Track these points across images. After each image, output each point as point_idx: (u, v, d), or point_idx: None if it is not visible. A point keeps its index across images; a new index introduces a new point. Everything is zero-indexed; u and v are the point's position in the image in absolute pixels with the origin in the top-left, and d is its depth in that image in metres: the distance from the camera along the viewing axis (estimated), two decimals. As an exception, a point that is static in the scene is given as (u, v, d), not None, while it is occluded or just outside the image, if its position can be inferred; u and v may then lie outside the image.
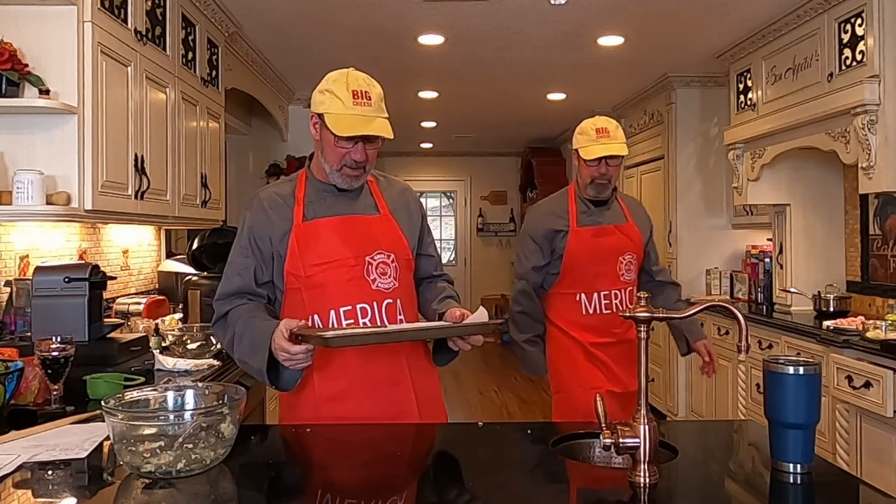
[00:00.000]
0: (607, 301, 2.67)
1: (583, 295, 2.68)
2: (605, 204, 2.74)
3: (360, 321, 1.81)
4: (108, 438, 1.50)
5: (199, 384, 1.64)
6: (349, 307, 1.80)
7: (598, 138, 2.61)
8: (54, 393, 1.92)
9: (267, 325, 1.72)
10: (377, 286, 1.83)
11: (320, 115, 1.83)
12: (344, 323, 1.81)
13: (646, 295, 1.37)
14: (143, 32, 2.88)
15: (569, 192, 2.81)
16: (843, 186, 4.34)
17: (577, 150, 2.68)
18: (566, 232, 2.69)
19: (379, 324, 1.82)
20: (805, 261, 4.32)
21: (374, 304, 1.82)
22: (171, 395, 1.53)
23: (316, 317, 1.81)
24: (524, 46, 4.64)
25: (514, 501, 1.30)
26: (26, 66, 2.39)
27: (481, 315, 1.72)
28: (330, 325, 1.81)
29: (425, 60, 4.95)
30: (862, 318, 3.47)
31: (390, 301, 1.84)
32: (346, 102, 1.79)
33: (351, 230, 1.86)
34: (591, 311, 2.67)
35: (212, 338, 2.63)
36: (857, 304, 4.07)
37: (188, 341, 2.59)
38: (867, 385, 2.95)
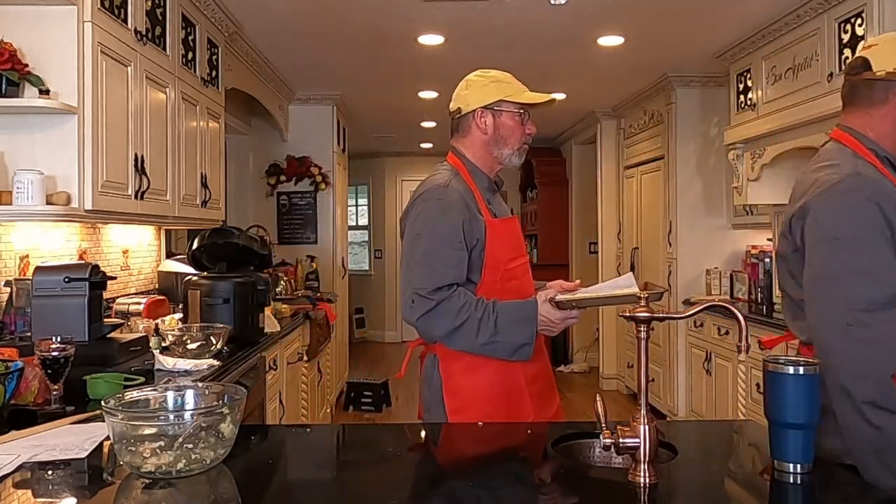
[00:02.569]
0: None
1: None
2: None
3: None
4: (108, 438, 1.50)
5: (199, 384, 1.64)
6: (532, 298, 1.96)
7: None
8: (54, 393, 1.91)
9: (525, 302, 1.89)
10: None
11: (493, 105, 1.99)
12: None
13: (645, 295, 1.37)
14: (143, 32, 2.88)
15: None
16: (843, 186, 4.34)
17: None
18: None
19: None
20: (805, 261, 4.31)
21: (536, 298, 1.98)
22: (171, 395, 1.52)
23: None
24: (524, 46, 4.64)
25: (514, 501, 1.30)
26: (26, 66, 2.39)
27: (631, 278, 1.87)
28: None
29: (425, 60, 4.95)
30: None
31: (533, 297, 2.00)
32: (513, 83, 2.02)
33: (518, 231, 2.09)
34: None
35: (212, 337, 2.63)
36: (857, 304, 4.06)
37: (188, 341, 2.59)
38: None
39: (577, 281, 1.98)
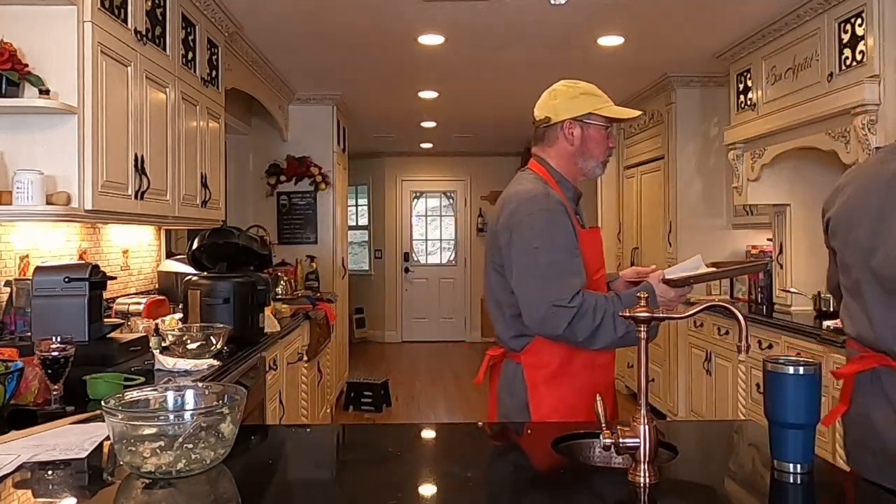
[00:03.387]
0: None
1: None
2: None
3: None
4: (108, 438, 1.50)
5: (199, 384, 1.64)
6: None
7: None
8: (54, 393, 1.91)
9: (640, 287, 1.94)
10: None
11: (582, 118, 2.01)
12: None
13: (645, 295, 1.37)
14: (143, 32, 2.88)
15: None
16: (843, 186, 4.34)
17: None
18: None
19: None
20: (805, 261, 4.32)
21: None
22: (171, 395, 1.52)
23: None
24: (524, 46, 4.64)
25: (514, 501, 1.30)
26: (26, 66, 2.39)
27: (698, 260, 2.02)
28: None
29: (425, 60, 4.95)
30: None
31: None
32: (602, 96, 2.05)
33: (601, 242, 2.13)
34: None
35: (212, 337, 2.63)
36: (857, 304, 4.06)
37: (188, 341, 2.59)
38: (867, 385, 2.95)
39: (653, 266, 2.06)
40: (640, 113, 2.14)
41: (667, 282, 1.94)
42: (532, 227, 1.89)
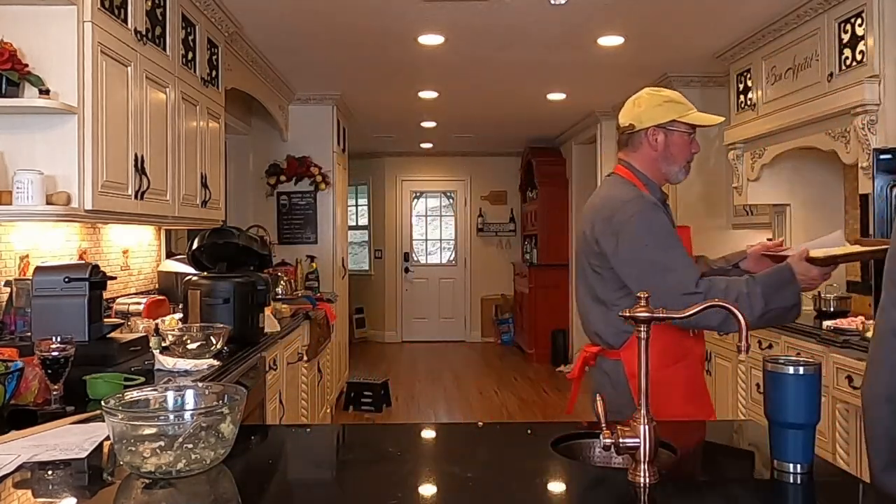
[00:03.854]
0: None
1: None
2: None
3: None
4: (108, 438, 1.50)
5: (199, 384, 1.64)
6: None
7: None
8: (54, 393, 1.92)
9: (779, 267, 1.97)
10: None
11: (666, 124, 2.08)
12: None
13: (645, 295, 1.37)
14: (143, 32, 2.88)
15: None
16: (843, 186, 4.34)
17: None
18: None
19: None
20: (805, 261, 4.31)
21: None
22: (171, 395, 1.52)
23: None
24: (524, 46, 4.64)
25: (514, 501, 1.30)
26: (26, 66, 2.39)
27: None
28: None
29: (425, 60, 4.95)
30: (862, 318, 3.47)
31: None
32: (685, 103, 2.12)
33: (689, 241, 2.20)
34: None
35: (212, 337, 2.63)
36: (857, 304, 4.06)
37: (188, 341, 2.59)
38: (867, 385, 2.95)
39: (780, 239, 2.09)
40: (723, 119, 2.18)
41: (810, 260, 1.93)
42: (639, 226, 1.97)
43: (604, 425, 1.34)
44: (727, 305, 1.41)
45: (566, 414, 2.19)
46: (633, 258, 1.97)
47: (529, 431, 1.72)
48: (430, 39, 4.45)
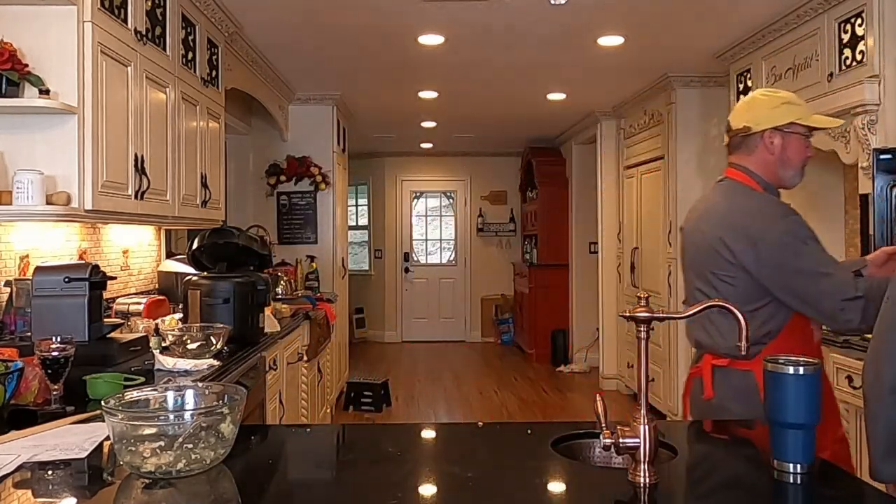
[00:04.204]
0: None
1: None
2: None
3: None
4: (108, 438, 1.50)
5: (199, 384, 1.64)
6: None
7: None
8: (54, 393, 1.92)
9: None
10: None
11: (784, 127, 2.03)
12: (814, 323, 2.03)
13: (646, 295, 1.37)
14: (143, 32, 2.88)
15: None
16: (843, 186, 4.34)
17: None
18: None
19: None
20: (805, 261, 4.31)
21: None
22: (171, 395, 1.53)
23: None
24: (524, 46, 4.64)
25: (514, 501, 1.30)
26: (26, 66, 2.39)
27: None
28: (817, 324, 2.03)
29: (425, 60, 4.95)
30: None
31: None
32: (803, 105, 2.06)
33: None
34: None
35: (212, 337, 2.63)
36: (857, 304, 4.06)
37: (188, 341, 2.59)
38: (867, 385, 2.95)
39: None
40: (841, 122, 2.14)
41: None
42: (783, 233, 1.93)
43: (604, 425, 1.35)
44: (727, 305, 1.41)
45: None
46: (780, 265, 1.92)
47: (529, 431, 1.72)
48: (430, 39, 4.45)
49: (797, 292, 1.92)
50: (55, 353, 1.90)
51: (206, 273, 3.13)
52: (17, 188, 2.33)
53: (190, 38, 3.46)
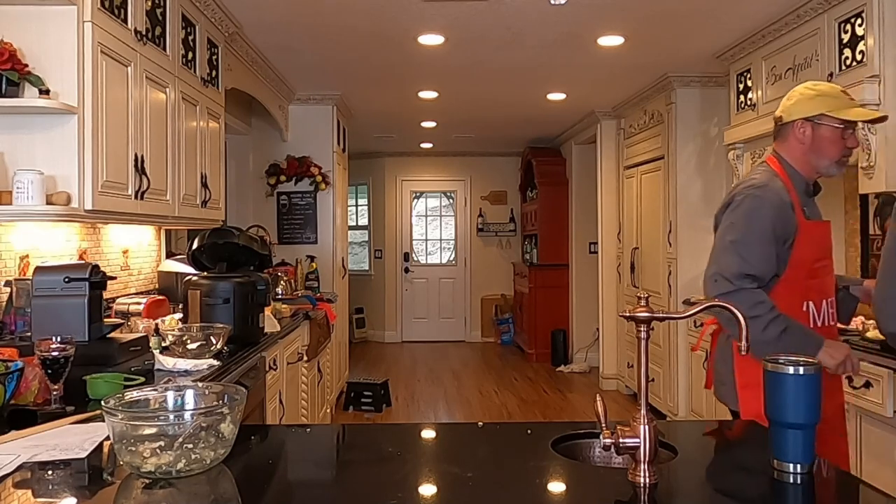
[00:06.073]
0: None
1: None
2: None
3: (829, 311, 2.18)
4: (108, 438, 1.50)
5: (199, 384, 1.64)
6: (831, 298, 2.18)
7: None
8: (54, 393, 1.92)
9: (815, 336, 2.06)
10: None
11: (814, 118, 2.14)
12: (824, 312, 2.15)
13: (646, 295, 1.37)
14: (143, 32, 2.88)
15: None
16: (843, 186, 4.34)
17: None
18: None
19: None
20: (805, 261, 4.31)
21: (832, 299, 2.20)
22: (171, 395, 1.53)
23: (811, 303, 2.13)
24: (524, 46, 4.64)
25: (514, 501, 1.30)
26: (26, 66, 2.39)
27: None
28: (821, 314, 2.15)
29: (425, 60, 4.95)
30: (862, 317, 3.47)
31: (832, 298, 2.20)
32: (840, 98, 2.13)
33: (828, 234, 2.22)
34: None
35: (212, 337, 2.63)
36: (857, 304, 4.06)
37: (188, 341, 2.59)
38: (867, 385, 2.95)
39: None
40: (876, 115, 2.21)
41: None
42: (737, 208, 2.12)
43: (604, 425, 1.35)
44: (727, 305, 1.41)
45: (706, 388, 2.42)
46: (719, 230, 2.15)
47: (529, 431, 1.72)
48: (430, 39, 4.45)
49: (712, 257, 2.14)
50: (55, 353, 1.90)
51: (206, 273, 3.13)
52: (18, 188, 2.33)
53: (190, 37, 3.46)
